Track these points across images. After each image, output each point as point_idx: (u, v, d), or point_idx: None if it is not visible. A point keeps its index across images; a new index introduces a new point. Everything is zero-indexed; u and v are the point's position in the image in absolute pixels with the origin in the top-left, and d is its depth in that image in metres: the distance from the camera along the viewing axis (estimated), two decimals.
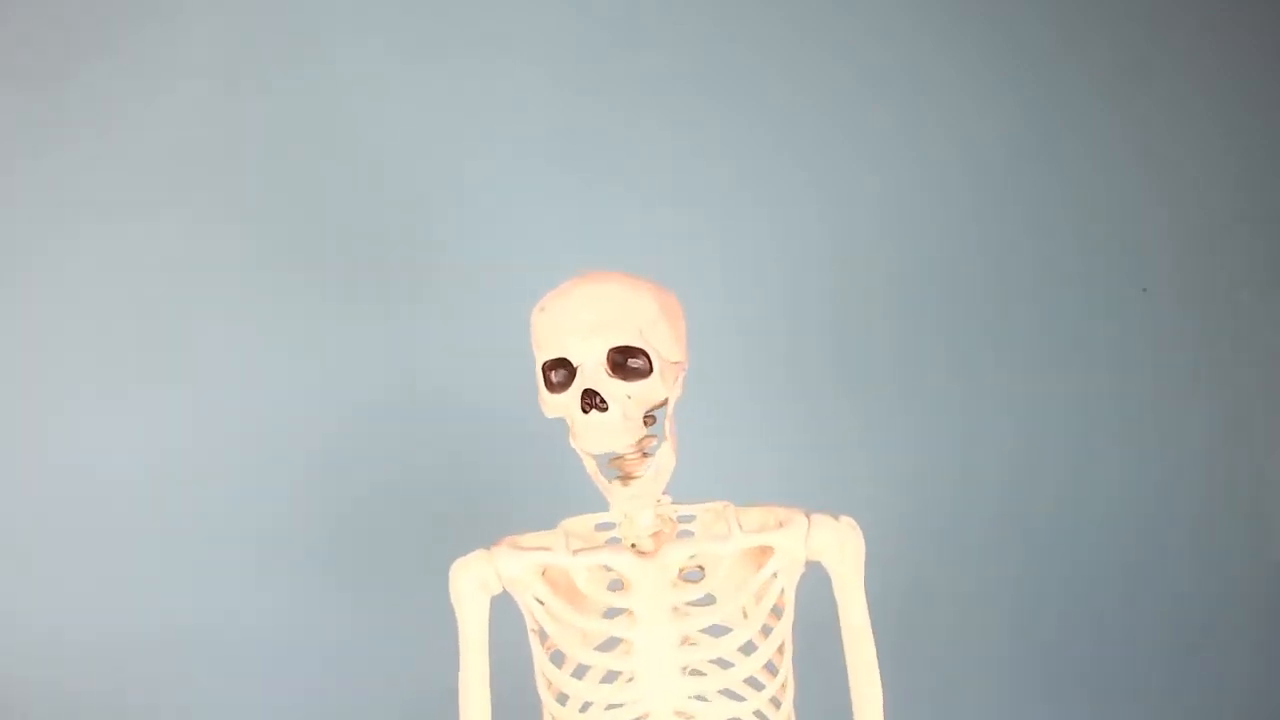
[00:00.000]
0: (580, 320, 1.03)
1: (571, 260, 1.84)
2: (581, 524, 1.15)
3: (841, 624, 1.14)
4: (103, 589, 1.77)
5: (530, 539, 1.13)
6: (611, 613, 1.11)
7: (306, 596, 1.83)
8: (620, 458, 1.07)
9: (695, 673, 1.10)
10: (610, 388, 1.02)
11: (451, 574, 1.13)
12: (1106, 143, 2.14)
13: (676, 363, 1.07)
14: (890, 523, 2.03)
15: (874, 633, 1.13)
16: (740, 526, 1.11)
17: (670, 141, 1.98)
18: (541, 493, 1.60)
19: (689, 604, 1.10)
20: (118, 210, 1.78)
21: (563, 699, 1.12)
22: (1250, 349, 2.20)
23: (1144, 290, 2.16)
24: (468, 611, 1.12)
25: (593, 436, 1.03)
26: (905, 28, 2.08)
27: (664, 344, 1.05)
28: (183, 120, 1.80)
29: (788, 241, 2.03)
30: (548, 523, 1.14)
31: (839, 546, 1.12)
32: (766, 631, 1.12)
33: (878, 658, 1.14)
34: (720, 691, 1.10)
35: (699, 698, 1.10)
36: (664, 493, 1.10)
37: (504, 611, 1.14)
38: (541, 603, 1.10)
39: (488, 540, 1.14)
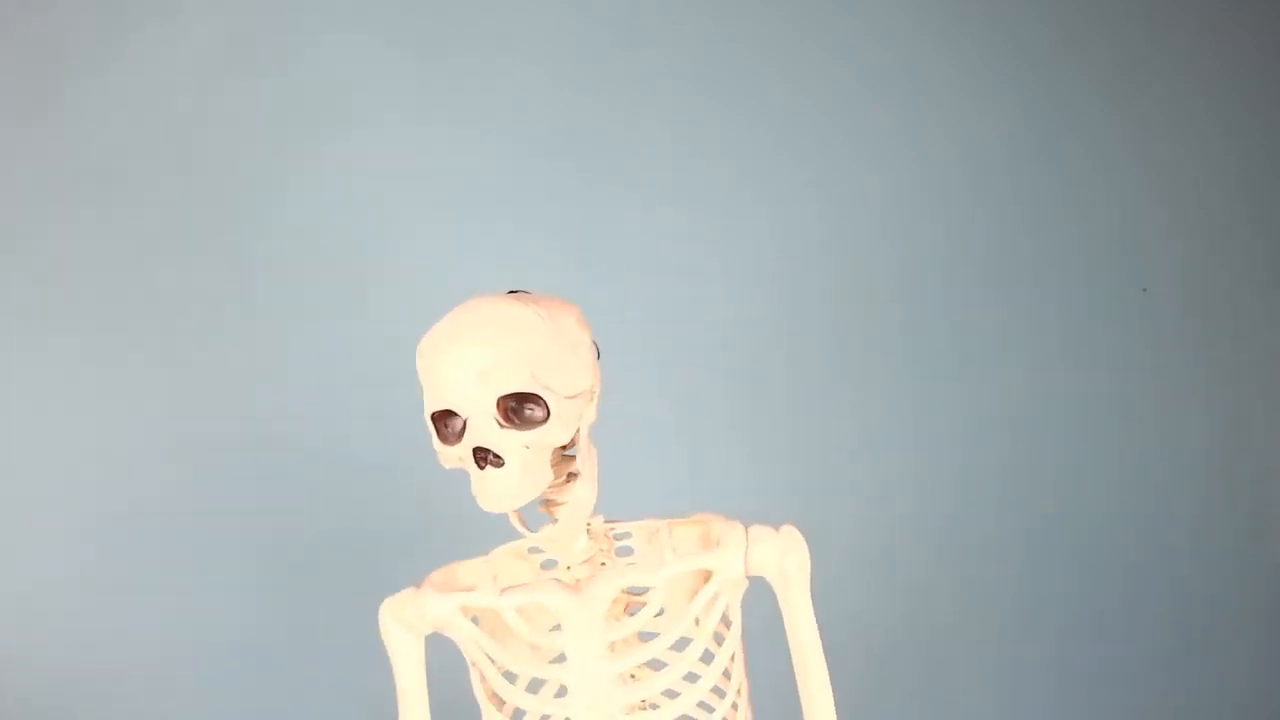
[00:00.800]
0: (462, 367, 0.91)
1: (575, 259, 1.86)
2: (517, 548, 1.09)
3: (789, 641, 1.05)
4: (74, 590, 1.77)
5: (462, 571, 1.07)
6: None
7: (247, 611, 1.83)
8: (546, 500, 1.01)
9: (640, 708, 1.04)
10: (504, 441, 0.92)
11: (380, 615, 1.05)
12: (1106, 143, 2.13)
13: (579, 394, 0.96)
14: (890, 523, 2.04)
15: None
16: (674, 549, 1.05)
17: (666, 142, 1.98)
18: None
19: (625, 640, 1.04)
20: (89, 206, 1.78)
21: None
22: (1250, 349, 2.19)
23: (1144, 290, 2.16)
24: (400, 655, 1.06)
25: (491, 497, 0.94)
26: (905, 28, 2.07)
27: (562, 379, 0.94)
28: (171, 119, 1.79)
29: (787, 241, 2.03)
30: (501, 527, 1.06)
31: (779, 559, 1.02)
32: (711, 654, 1.05)
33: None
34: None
35: None
36: (594, 514, 1.03)
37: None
38: (475, 643, 1.04)
39: (430, 559, 1.09)
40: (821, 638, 1.06)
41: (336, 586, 1.79)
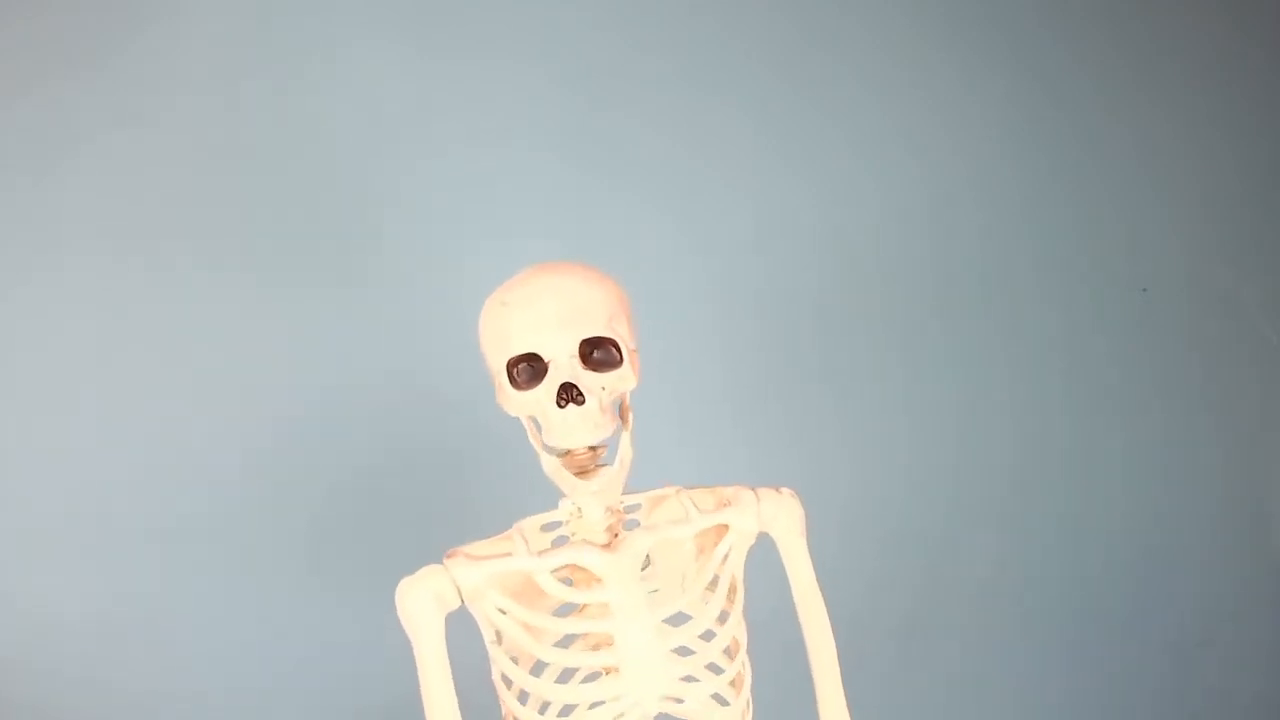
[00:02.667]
0: (549, 313, 1.02)
1: (556, 253, 1.86)
2: (529, 525, 1.12)
3: (792, 587, 1.18)
4: (81, 582, 1.79)
5: (481, 547, 1.09)
6: (565, 609, 1.09)
7: (283, 593, 1.82)
8: (570, 454, 1.05)
9: (681, 654, 1.09)
10: (586, 380, 1.02)
11: (400, 594, 1.06)
12: (1106, 143, 2.14)
13: (634, 351, 1.06)
14: (890, 524, 2.05)
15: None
16: (696, 507, 1.12)
17: (655, 136, 1.96)
18: (495, 485, 1.60)
19: (653, 592, 1.11)
20: (86, 220, 1.76)
21: (544, 707, 1.09)
22: (1250, 349, 2.19)
23: (1144, 290, 2.16)
24: (425, 632, 1.06)
25: (573, 431, 1.02)
26: (905, 28, 2.07)
27: (625, 333, 1.05)
28: (175, 120, 1.77)
29: (785, 240, 2.02)
30: (501, 519, 1.11)
31: (785, 516, 1.15)
32: (729, 603, 1.13)
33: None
34: (706, 667, 1.10)
35: (687, 679, 1.09)
36: None
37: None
38: (504, 612, 1.07)
39: (437, 542, 1.10)
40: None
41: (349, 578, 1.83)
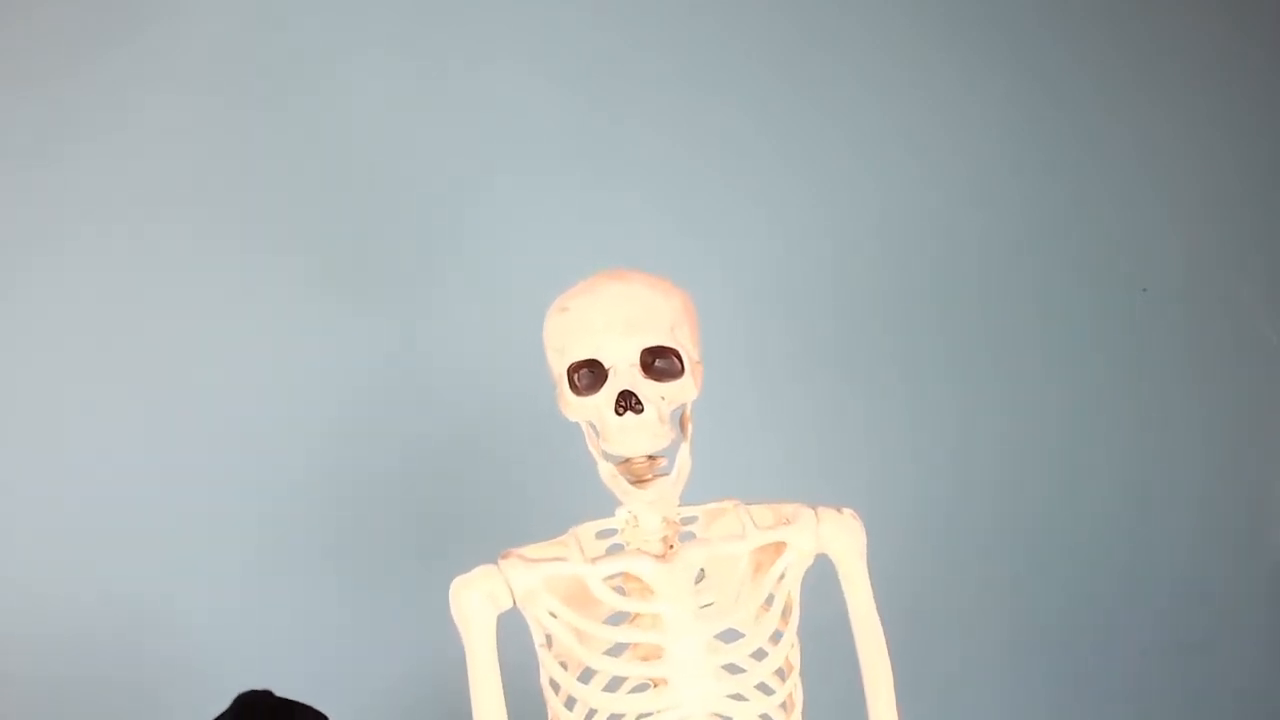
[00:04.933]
0: (612, 320, 1.01)
1: (576, 258, 1.85)
2: (584, 532, 1.12)
3: (850, 609, 1.16)
4: (100, 583, 1.76)
5: (536, 550, 1.09)
6: (616, 618, 1.09)
7: (308, 593, 1.82)
8: (628, 461, 1.04)
9: (731, 671, 1.08)
10: (645, 389, 1.01)
11: (454, 592, 1.06)
12: (1106, 143, 2.14)
13: (698, 362, 1.05)
14: (891, 524, 2.02)
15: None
16: (754, 523, 1.10)
17: (677, 141, 1.96)
18: (545, 492, 1.61)
19: (706, 606, 1.09)
20: (114, 211, 1.76)
21: (590, 714, 1.08)
22: (1250, 349, 2.20)
23: (1144, 290, 2.16)
24: (477, 630, 1.05)
25: (630, 439, 1.01)
26: (906, 31, 2.07)
27: (689, 343, 1.04)
28: (187, 121, 1.77)
29: (789, 240, 2.02)
30: (553, 522, 1.11)
31: (845, 537, 1.13)
32: (784, 622, 1.12)
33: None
34: (756, 687, 1.09)
35: (736, 697, 1.08)
36: None
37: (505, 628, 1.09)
38: (555, 616, 1.06)
39: (490, 541, 1.11)
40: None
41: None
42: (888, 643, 1.16)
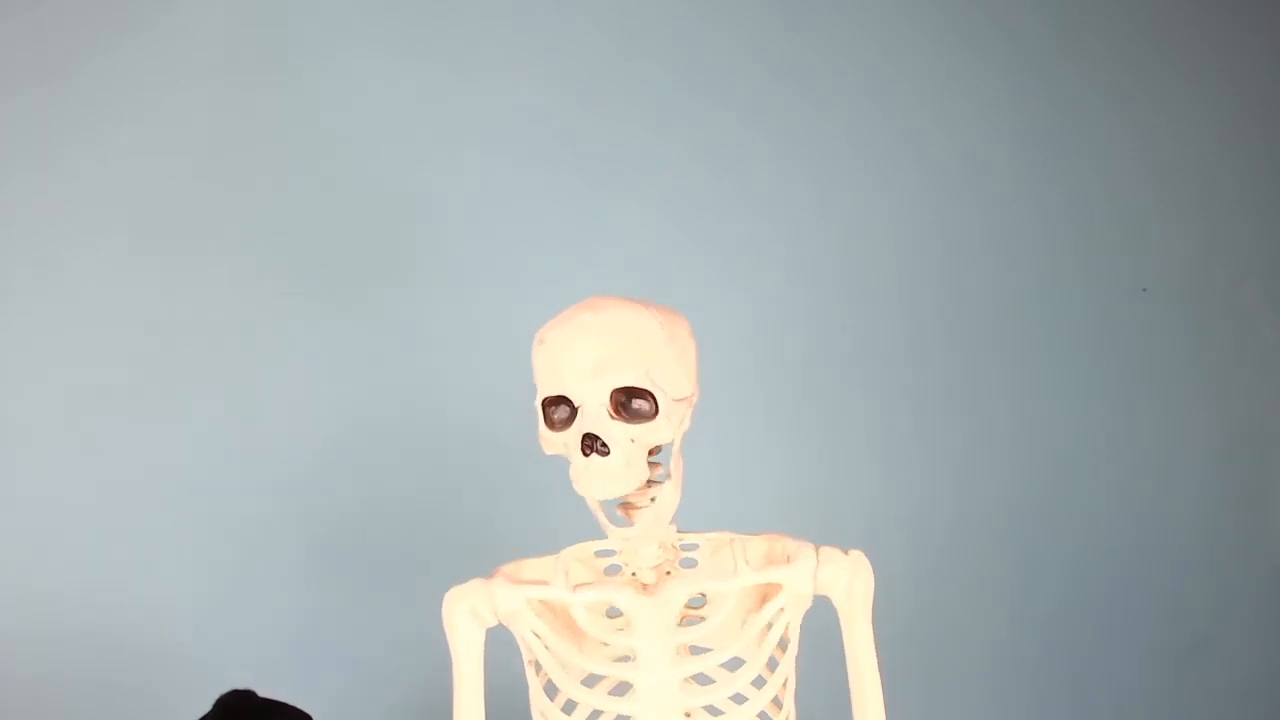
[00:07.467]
0: (582, 358, 0.95)
1: (574, 269, 1.86)
2: (582, 551, 1.09)
3: (848, 661, 1.08)
4: (93, 587, 1.76)
5: (530, 567, 1.07)
6: (593, 647, 1.06)
7: (304, 594, 1.81)
8: None
9: (710, 712, 1.04)
10: (612, 431, 0.95)
11: (445, 604, 1.05)
12: (1106, 143, 2.14)
13: (684, 399, 0.99)
14: (891, 523, 2.04)
15: (876, 633, 1.10)
16: (746, 561, 1.05)
17: (680, 152, 1.96)
18: (539, 507, 1.59)
19: (691, 645, 1.05)
20: (99, 217, 1.75)
21: None
22: (1250, 349, 2.20)
23: (1144, 290, 2.16)
24: (461, 644, 1.05)
25: (592, 483, 0.95)
26: (906, 34, 2.07)
27: (671, 380, 0.97)
28: (185, 129, 1.76)
29: (793, 247, 2.02)
30: (544, 539, 1.10)
31: (848, 582, 1.05)
32: (772, 667, 1.06)
33: (882, 658, 1.09)
34: None
35: None
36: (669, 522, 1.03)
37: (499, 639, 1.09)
38: (539, 637, 1.04)
39: (485, 555, 1.10)
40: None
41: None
42: (884, 653, 1.09)
